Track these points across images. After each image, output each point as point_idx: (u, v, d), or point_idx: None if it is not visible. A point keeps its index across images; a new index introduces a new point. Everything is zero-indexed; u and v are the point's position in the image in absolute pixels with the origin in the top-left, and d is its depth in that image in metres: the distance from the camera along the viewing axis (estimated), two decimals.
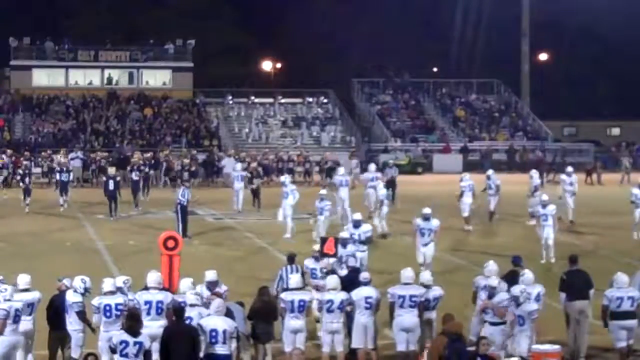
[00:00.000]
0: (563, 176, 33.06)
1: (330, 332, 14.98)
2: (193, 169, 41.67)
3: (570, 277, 16.31)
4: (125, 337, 12.23)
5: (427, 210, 22.21)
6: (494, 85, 69.27)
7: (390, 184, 35.72)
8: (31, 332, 14.49)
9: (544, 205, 25.13)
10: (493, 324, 14.76)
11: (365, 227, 21.13)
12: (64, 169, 37.08)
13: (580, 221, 31.88)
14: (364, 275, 15.72)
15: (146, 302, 14.17)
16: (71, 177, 37.81)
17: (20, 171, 38.36)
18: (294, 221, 28.84)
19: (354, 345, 15.26)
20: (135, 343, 12.18)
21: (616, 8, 69.70)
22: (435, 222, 22.20)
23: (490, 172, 33.15)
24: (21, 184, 36.22)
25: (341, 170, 34.44)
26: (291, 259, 17.07)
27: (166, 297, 14.35)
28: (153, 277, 14.51)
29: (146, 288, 14.54)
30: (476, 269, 18.17)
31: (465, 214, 30.76)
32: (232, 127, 61.66)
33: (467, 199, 30.80)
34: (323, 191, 28.06)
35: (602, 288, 15.84)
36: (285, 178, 30.29)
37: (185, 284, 14.86)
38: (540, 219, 25.04)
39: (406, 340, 15.02)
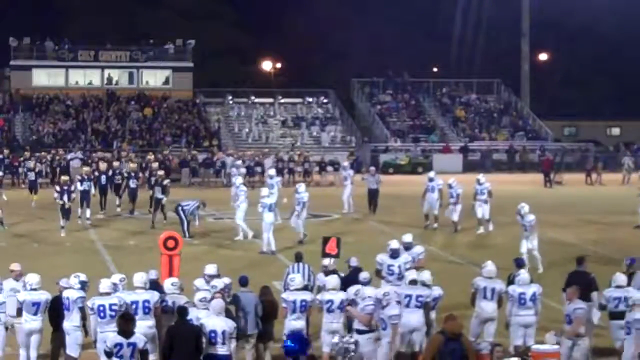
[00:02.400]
0: None
1: (330, 332, 14.94)
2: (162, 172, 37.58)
3: (571, 277, 16.35)
4: (119, 339, 12.24)
5: (407, 239, 18.05)
6: (494, 85, 69.26)
7: (373, 195, 33.86)
8: (38, 331, 14.61)
9: (522, 216, 23.17)
10: (360, 332, 14.36)
11: (405, 258, 17.26)
12: (86, 177, 32.26)
13: (581, 221, 31.86)
14: (363, 275, 15.61)
15: (132, 302, 14.22)
16: (93, 189, 32.36)
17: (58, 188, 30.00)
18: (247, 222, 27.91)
19: None
20: (128, 344, 12.19)
21: (616, 8, 69.75)
22: (418, 249, 18.20)
23: (480, 176, 30.55)
24: (60, 200, 29.42)
25: (272, 171, 34.03)
26: (298, 258, 17.04)
27: (152, 297, 14.40)
28: (139, 277, 14.56)
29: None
30: (475, 269, 18.14)
31: (430, 211, 30.30)
32: (232, 127, 61.70)
33: (429, 199, 30.25)
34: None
35: (601, 288, 15.85)
36: (236, 179, 29.93)
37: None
38: (522, 229, 23.22)
39: (408, 340, 14.99)
